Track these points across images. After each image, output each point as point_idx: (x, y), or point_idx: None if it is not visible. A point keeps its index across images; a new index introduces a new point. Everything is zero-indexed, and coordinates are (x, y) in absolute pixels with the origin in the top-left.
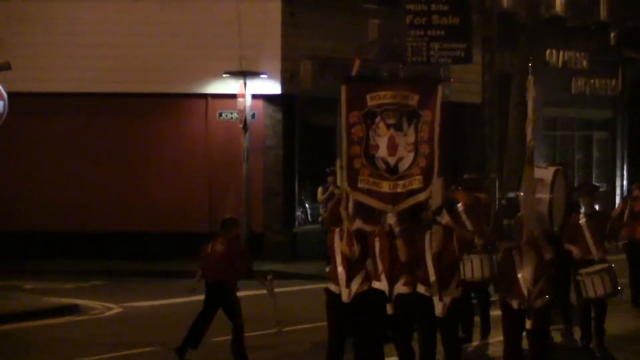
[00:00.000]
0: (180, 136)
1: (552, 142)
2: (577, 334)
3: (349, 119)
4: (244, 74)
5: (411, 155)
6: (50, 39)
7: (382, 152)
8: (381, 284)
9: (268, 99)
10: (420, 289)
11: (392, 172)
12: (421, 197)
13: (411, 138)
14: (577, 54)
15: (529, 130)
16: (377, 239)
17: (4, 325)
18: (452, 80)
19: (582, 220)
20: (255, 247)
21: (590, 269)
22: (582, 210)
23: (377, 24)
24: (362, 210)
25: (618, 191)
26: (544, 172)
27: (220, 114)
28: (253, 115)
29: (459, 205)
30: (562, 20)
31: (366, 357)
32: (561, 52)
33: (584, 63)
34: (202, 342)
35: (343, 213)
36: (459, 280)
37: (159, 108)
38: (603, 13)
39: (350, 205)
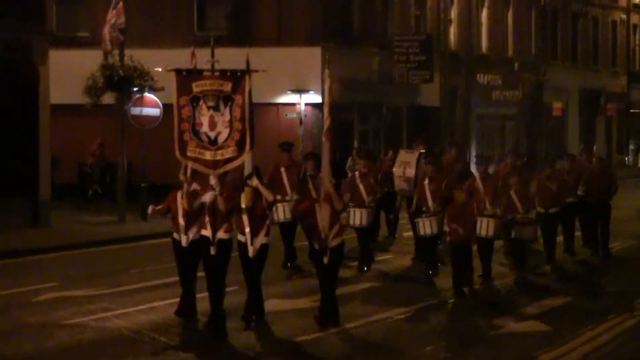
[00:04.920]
0: (262, 129)
1: (482, 129)
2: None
3: (180, 102)
4: (300, 91)
5: (227, 131)
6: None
7: (205, 128)
8: (207, 231)
9: (314, 105)
10: (239, 237)
11: (213, 143)
12: (235, 163)
13: (227, 117)
14: (496, 76)
15: (325, 110)
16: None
17: (151, 240)
18: (259, 71)
19: (425, 182)
20: None
21: (424, 216)
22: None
23: (377, 60)
24: (197, 175)
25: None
26: (410, 156)
27: (286, 115)
28: (305, 116)
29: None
30: (486, 56)
31: (212, 289)
32: (486, 75)
33: (499, 81)
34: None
35: (182, 177)
36: (267, 229)
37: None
38: (510, 52)
39: (189, 171)
